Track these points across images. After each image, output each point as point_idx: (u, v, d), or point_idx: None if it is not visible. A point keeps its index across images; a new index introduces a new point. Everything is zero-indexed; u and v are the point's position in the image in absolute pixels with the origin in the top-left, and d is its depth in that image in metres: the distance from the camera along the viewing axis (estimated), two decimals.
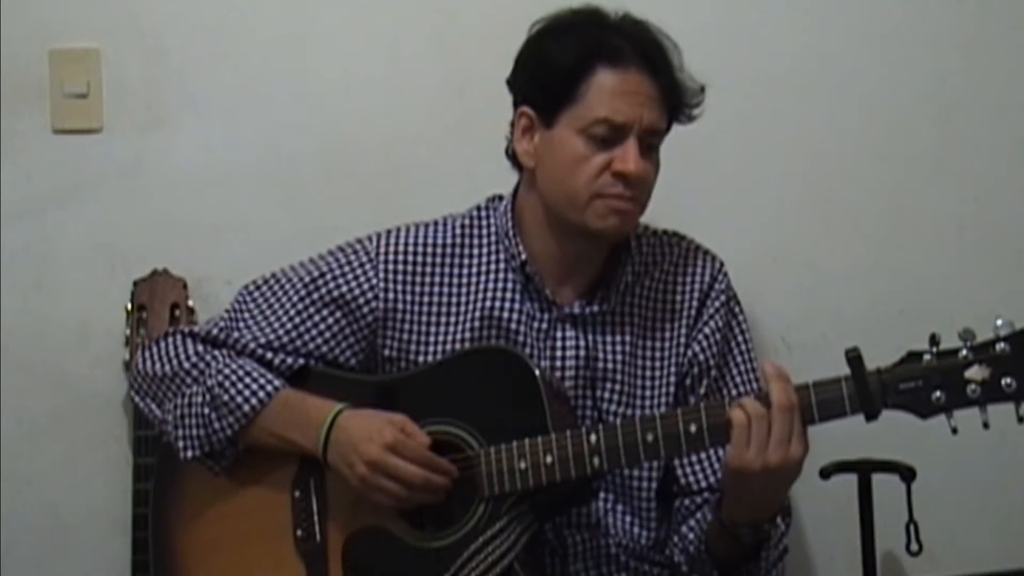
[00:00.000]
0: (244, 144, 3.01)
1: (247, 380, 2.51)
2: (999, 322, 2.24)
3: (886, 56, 3.04)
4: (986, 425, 2.23)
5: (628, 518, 2.59)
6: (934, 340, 2.26)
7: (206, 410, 2.51)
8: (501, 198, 2.64)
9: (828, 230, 3.05)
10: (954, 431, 2.25)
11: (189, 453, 2.53)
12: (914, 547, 2.64)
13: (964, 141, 3.05)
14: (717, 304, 2.62)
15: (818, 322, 3.03)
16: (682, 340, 2.61)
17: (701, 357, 2.60)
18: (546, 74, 2.50)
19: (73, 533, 3.01)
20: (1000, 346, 2.22)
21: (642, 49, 2.49)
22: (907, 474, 2.77)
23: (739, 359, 2.63)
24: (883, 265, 3.05)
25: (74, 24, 2.98)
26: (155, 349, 2.61)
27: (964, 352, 2.24)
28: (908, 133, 3.05)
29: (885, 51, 3.04)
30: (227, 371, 2.52)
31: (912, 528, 2.65)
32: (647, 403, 2.59)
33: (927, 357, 2.25)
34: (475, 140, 2.93)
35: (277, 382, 2.52)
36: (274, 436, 2.50)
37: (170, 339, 2.61)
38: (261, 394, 2.50)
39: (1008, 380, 2.21)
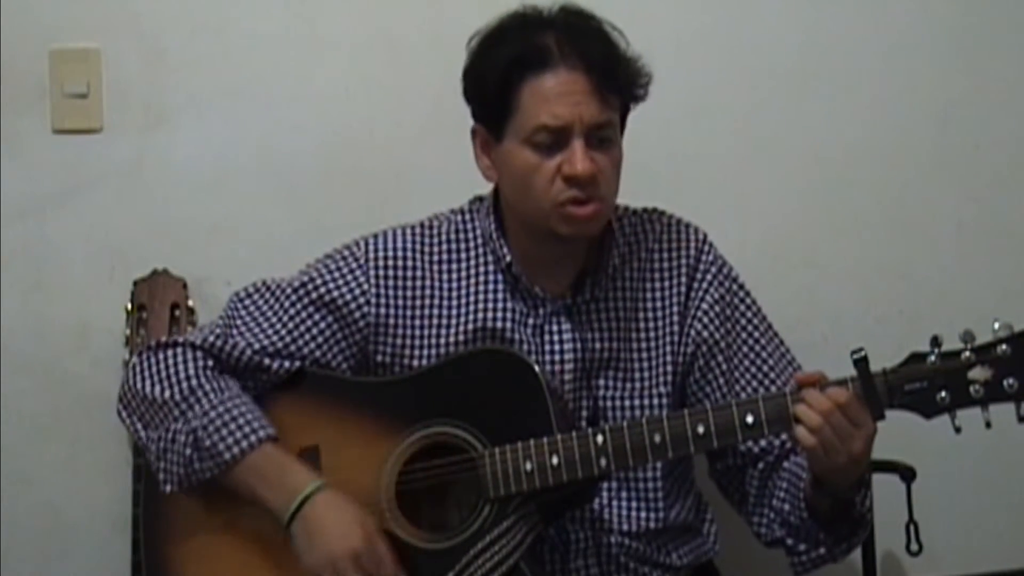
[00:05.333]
0: (244, 144, 3.01)
1: (232, 426, 2.45)
2: (996, 325, 2.27)
3: (886, 56, 3.05)
4: (988, 424, 2.26)
5: (634, 503, 2.57)
6: (936, 342, 2.28)
7: (188, 451, 2.47)
8: (482, 199, 2.63)
9: (828, 230, 3.06)
10: (957, 430, 2.27)
11: (168, 487, 2.49)
12: (914, 547, 2.63)
13: (964, 141, 3.06)
14: (708, 277, 2.58)
15: (818, 322, 3.04)
16: (675, 319, 2.58)
17: (705, 334, 2.57)
18: (482, 91, 2.49)
19: (73, 533, 3.01)
20: (1002, 348, 2.24)
21: (571, 44, 2.43)
22: (907, 474, 2.78)
23: (750, 327, 2.60)
24: (883, 265, 3.06)
25: (74, 24, 2.98)
26: (148, 365, 2.55)
27: (967, 353, 2.26)
28: (908, 133, 3.06)
29: (885, 51, 3.05)
30: (213, 414, 2.47)
31: (912, 528, 2.64)
32: (645, 384, 2.57)
33: (931, 358, 2.28)
34: None
35: (262, 432, 2.46)
36: (246, 488, 2.46)
37: (165, 353, 2.55)
38: (244, 444, 2.45)
39: (1010, 380, 2.24)
